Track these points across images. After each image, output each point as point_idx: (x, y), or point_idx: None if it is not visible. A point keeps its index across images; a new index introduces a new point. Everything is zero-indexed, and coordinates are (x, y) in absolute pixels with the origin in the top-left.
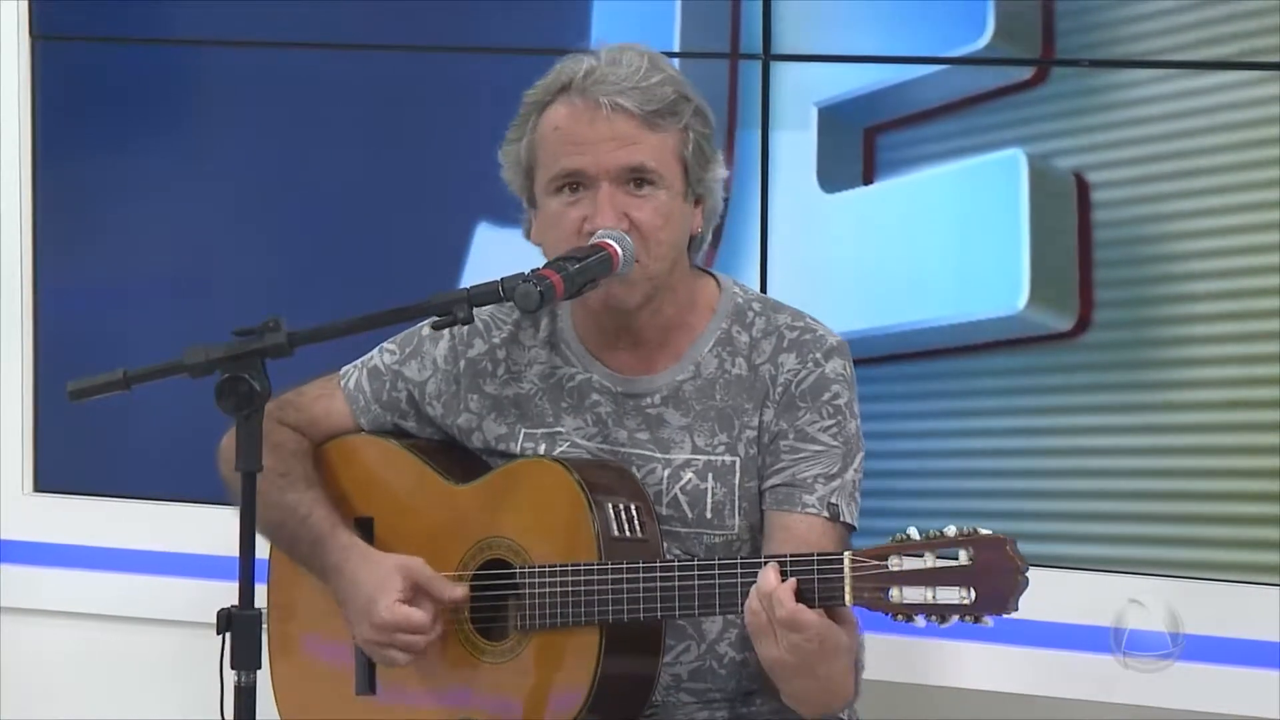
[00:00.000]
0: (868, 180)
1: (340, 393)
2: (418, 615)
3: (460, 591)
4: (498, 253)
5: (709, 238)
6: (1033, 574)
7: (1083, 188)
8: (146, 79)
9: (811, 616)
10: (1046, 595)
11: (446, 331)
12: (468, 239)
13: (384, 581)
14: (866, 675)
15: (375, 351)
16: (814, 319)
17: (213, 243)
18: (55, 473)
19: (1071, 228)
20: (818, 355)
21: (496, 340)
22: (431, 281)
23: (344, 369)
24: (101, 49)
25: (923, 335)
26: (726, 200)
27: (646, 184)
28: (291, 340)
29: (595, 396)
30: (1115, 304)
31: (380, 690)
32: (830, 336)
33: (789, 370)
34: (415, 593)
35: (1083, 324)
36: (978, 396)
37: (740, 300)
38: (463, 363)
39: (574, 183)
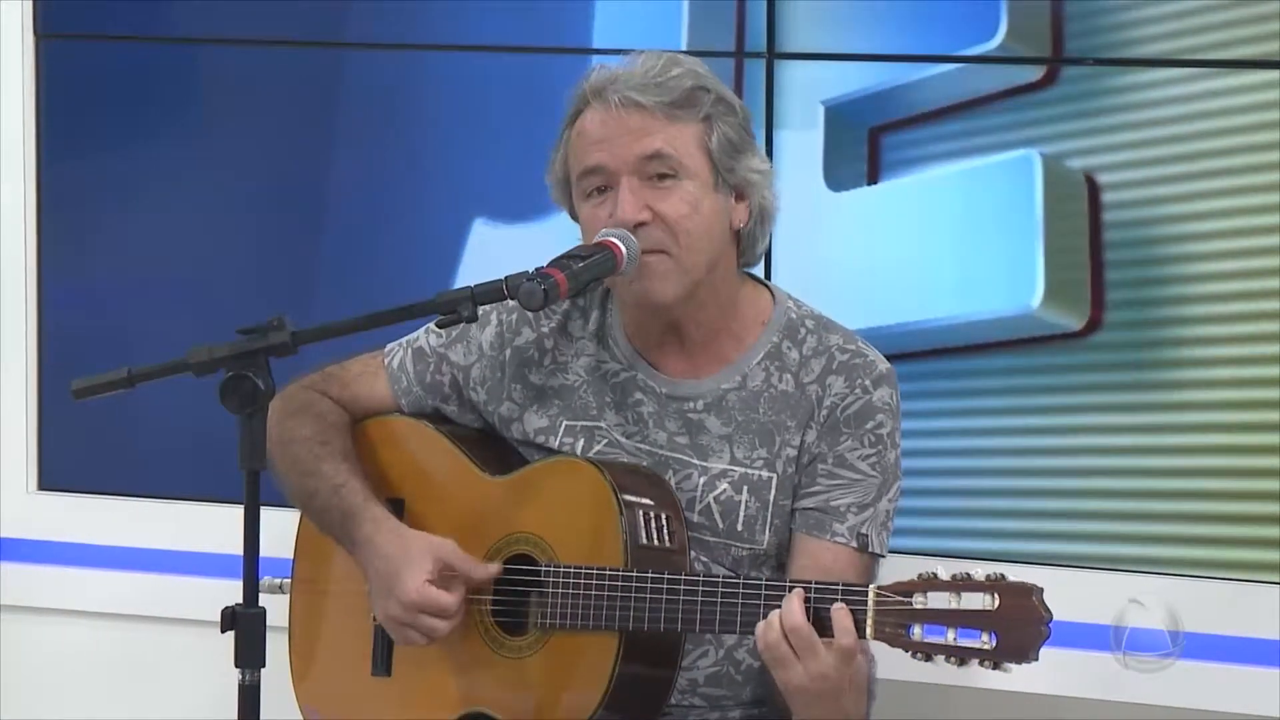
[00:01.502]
0: (872, 180)
1: (383, 371)
2: (445, 598)
3: (493, 568)
4: (493, 250)
5: (765, 238)
6: (1036, 573)
7: (1093, 188)
8: (150, 78)
9: (859, 649)
10: (1048, 594)
11: (494, 317)
12: (463, 236)
13: (414, 560)
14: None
15: (420, 332)
16: (865, 342)
17: (216, 241)
18: (59, 471)
19: (1083, 228)
20: (867, 382)
21: (545, 329)
22: (427, 278)
23: (389, 346)
24: (105, 48)
25: (932, 335)
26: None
27: (669, 176)
28: (295, 339)
29: (639, 395)
30: (1125, 304)
31: (395, 672)
32: (880, 363)
33: (836, 393)
34: (444, 575)
35: (1093, 324)
36: (986, 396)
37: (794, 316)
38: (509, 350)
39: (601, 185)
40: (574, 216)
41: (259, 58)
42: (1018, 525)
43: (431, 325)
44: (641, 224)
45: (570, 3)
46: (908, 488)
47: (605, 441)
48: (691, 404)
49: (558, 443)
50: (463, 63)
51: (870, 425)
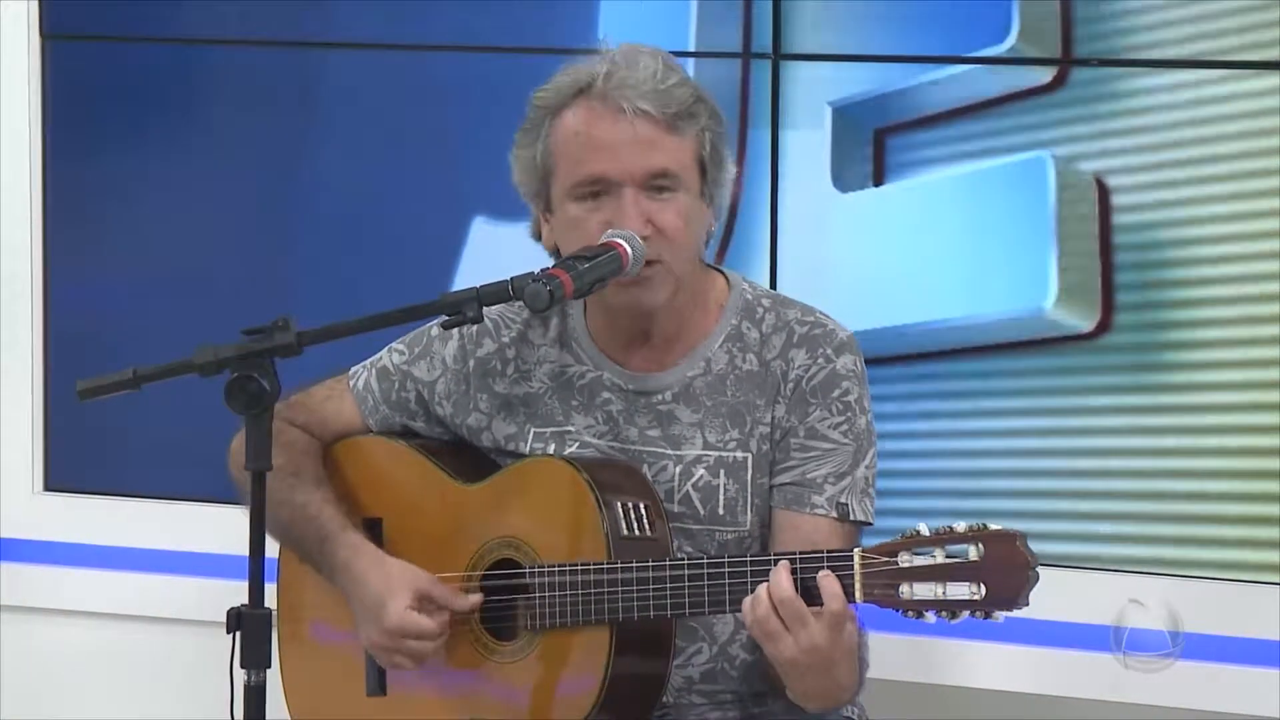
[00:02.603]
0: (878, 181)
1: (349, 393)
2: (426, 623)
3: (474, 599)
4: (493, 248)
5: (718, 235)
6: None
7: (1102, 191)
8: (156, 78)
9: (850, 610)
10: (1049, 594)
11: (455, 331)
12: (463, 234)
13: (394, 587)
14: (871, 674)
15: (384, 351)
16: (824, 313)
17: (221, 241)
18: (65, 472)
19: (1093, 231)
20: (828, 351)
21: (506, 339)
22: (427, 277)
23: (353, 369)
24: (111, 48)
25: (942, 335)
26: (734, 197)
27: (667, 189)
28: (300, 339)
29: (605, 394)
30: (1134, 307)
31: (390, 691)
32: (840, 331)
33: (800, 366)
34: (424, 601)
35: (1102, 326)
36: (994, 397)
37: (749, 296)
38: (472, 362)
39: (596, 190)
40: (544, 205)
41: (262, 58)
42: (1019, 525)
43: (393, 344)
44: (643, 237)
45: (574, 3)
46: (912, 487)
47: (576, 444)
48: (659, 396)
49: (528, 448)
50: (462, 62)
51: (837, 393)
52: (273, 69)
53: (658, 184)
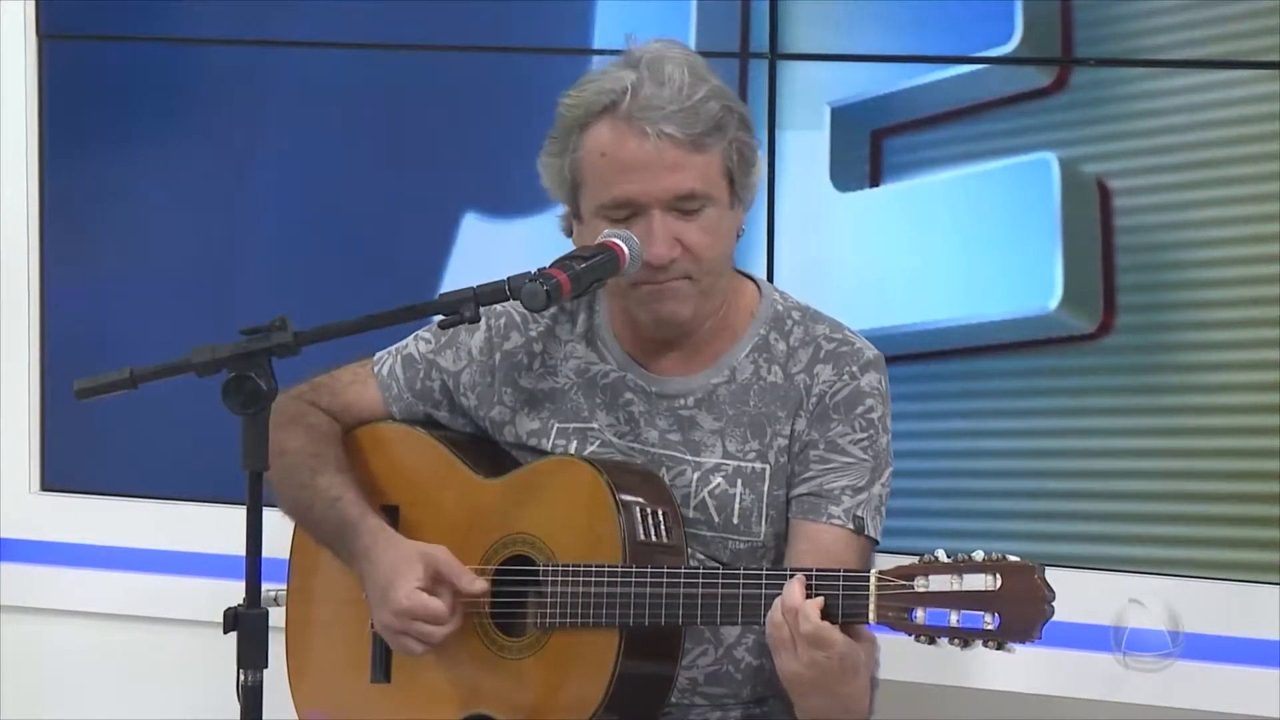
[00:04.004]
0: (875, 181)
1: (373, 379)
2: (435, 604)
3: (481, 585)
4: (484, 244)
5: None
6: None
7: (1104, 193)
8: (153, 77)
9: (836, 635)
10: None
11: (483, 322)
12: (454, 230)
13: (405, 567)
14: None
15: (410, 339)
16: (852, 331)
17: (218, 240)
18: (62, 471)
19: (1095, 232)
20: (854, 368)
21: (533, 333)
22: (418, 274)
23: (377, 355)
24: (108, 48)
25: (945, 335)
26: None
27: (695, 210)
28: (298, 339)
29: (629, 395)
30: (1135, 308)
31: (395, 679)
32: (868, 350)
33: (824, 381)
34: (436, 581)
35: (1105, 327)
36: (997, 397)
37: (780, 308)
38: (498, 355)
39: (626, 213)
40: (575, 217)
41: (258, 57)
42: (1019, 526)
43: (420, 332)
44: (672, 259)
45: (569, 2)
46: (913, 488)
47: (598, 443)
48: (681, 401)
49: (550, 445)
50: (461, 60)
51: (860, 410)
52: (269, 68)
53: (685, 206)
